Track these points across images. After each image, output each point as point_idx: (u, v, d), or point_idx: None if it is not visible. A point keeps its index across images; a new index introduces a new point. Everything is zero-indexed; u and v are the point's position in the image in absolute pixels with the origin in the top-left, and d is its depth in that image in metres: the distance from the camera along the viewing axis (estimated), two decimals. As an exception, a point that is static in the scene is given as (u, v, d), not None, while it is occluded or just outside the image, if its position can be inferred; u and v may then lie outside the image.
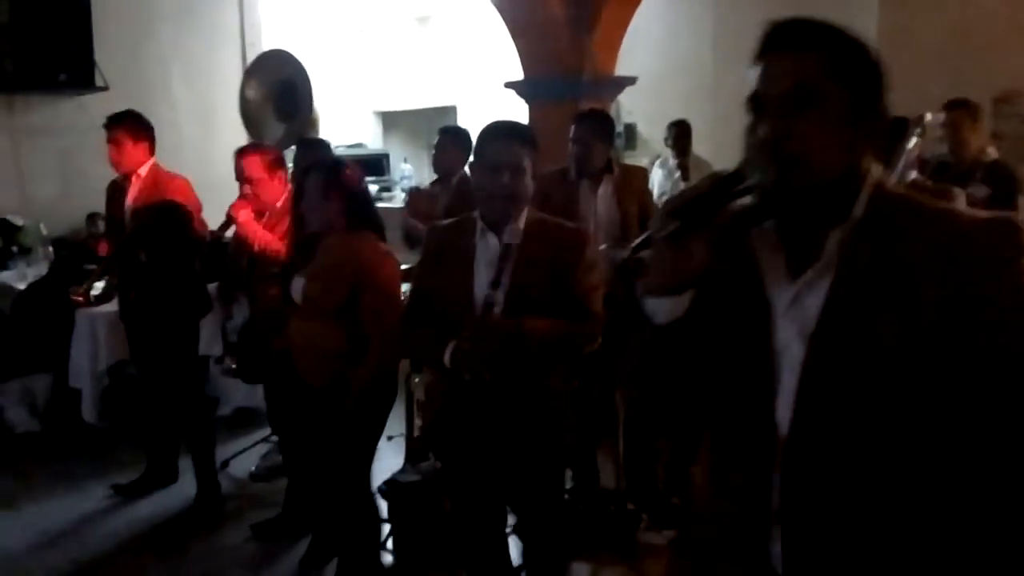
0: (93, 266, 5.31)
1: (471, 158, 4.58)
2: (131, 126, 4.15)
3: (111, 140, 4.14)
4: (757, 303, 1.29)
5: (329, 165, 3.22)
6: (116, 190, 4.31)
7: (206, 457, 4.34)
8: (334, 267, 3.07)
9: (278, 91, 4.85)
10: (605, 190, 4.04)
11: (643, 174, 4.58)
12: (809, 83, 1.21)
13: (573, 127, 4.02)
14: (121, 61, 6.66)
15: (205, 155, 6.58)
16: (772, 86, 1.23)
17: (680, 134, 6.39)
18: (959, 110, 4.38)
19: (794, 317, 1.26)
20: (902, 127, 3.49)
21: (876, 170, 1.27)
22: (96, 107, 6.50)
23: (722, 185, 1.23)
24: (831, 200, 1.23)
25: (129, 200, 4.19)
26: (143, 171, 4.19)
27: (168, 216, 4.07)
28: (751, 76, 1.26)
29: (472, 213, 2.56)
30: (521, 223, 2.46)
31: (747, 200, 1.25)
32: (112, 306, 4.99)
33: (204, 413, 4.45)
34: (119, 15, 6.78)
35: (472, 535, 2.74)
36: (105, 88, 6.46)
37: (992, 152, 4.45)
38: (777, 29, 1.25)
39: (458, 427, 2.56)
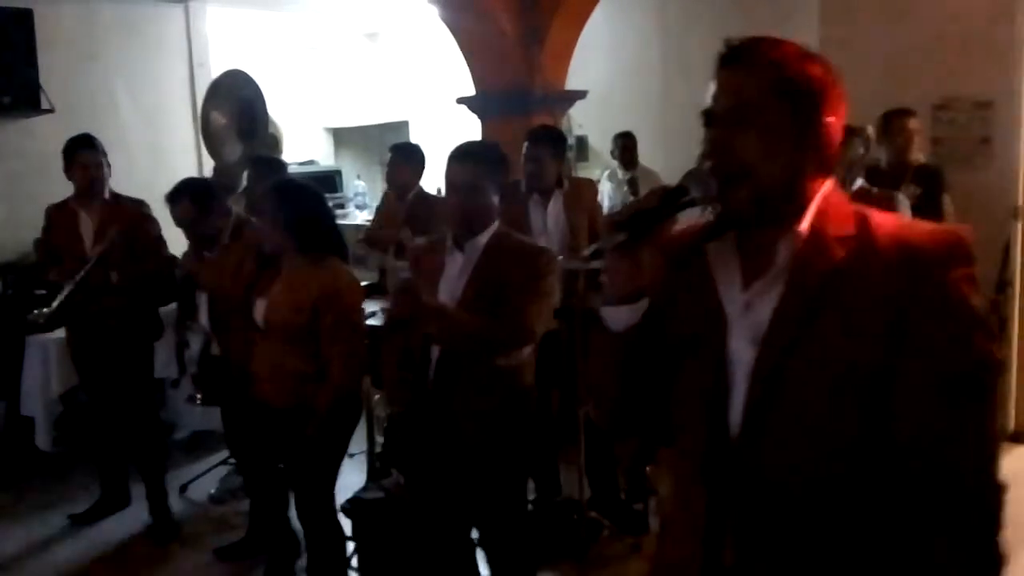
0: (43, 291, 5.24)
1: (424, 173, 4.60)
2: (100, 149, 4.15)
3: (93, 163, 4.09)
4: (712, 311, 1.33)
5: (278, 187, 3.21)
6: (62, 215, 4.22)
7: (157, 482, 4.30)
8: (295, 293, 3.07)
9: (238, 112, 4.84)
10: (555, 204, 4.09)
11: (593, 187, 4.64)
12: (749, 100, 1.26)
13: (526, 144, 4.06)
14: (67, 83, 6.56)
15: (154, 175, 6.47)
16: (717, 102, 1.30)
17: (625, 146, 6.41)
18: (909, 117, 4.54)
19: (746, 324, 1.29)
20: (847, 135, 3.59)
21: (827, 182, 1.31)
22: (42, 130, 6.41)
23: (666, 199, 1.28)
24: (779, 212, 1.28)
25: (93, 224, 4.14)
26: (107, 194, 4.18)
27: (142, 239, 4.09)
28: (708, 92, 1.30)
29: (447, 231, 2.63)
30: (483, 239, 2.51)
31: (704, 215, 1.31)
32: (60, 333, 4.93)
33: (158, 437, 4.40)
34: (64, 37, 6.68)
35: (437, 548, 2.75)
36: (51, 111, 6.36)
37: (921, 156, 4.63)
38: (729, 47, 1.30)
39: (412, 444, 2.59)
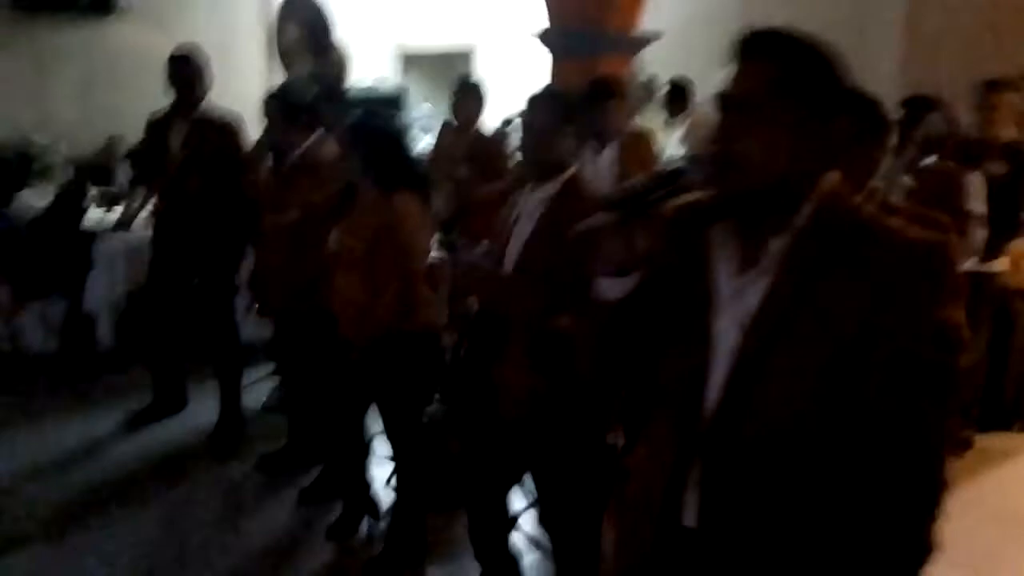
0: (99, 189, 5.38)
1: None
2: (202, 61, 4.27)
3: (185, 76, 4.20)
4: (702, 291, 1.40)
5: (356, 124, 3.25)
6: (156, 125, 4.35)
7: (234, 384, 4.41)
8: (360, 222, 3.13)
9: (309, 28, 4.86)
10: (608, 156, 4.01)
11: (648, 139, 4.49)
12: (753, 94, 1.31)
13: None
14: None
15: (224, 86, 6.54)
16: (725, 92, 1.35)
17: (671, 96, 5.97)
18: (1000, 91, 4.31)
19: (734, 309, 1.36)
20: (919, 111, 3.49)
21: (829, 180, 1.34)
22: (116, 32, 6.51)
23: (659, 182, 1.35)
24: (773, 206, 1.33)
25: (181, 135, 4.24)
26: (202, 107, 4.28)
27: (227, 152, 4.21)
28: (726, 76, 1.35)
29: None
30: (554, 187, 2.50)
31: (701, 198, 1.40)
32: (129, 234, 5.08)
33: (236, 340, 4.49)
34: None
35: (477, 486, 2.79)
36: (126, 12, 6.43)
37: (1012, 132, 4.44)
38: (744, 37, 1.33)
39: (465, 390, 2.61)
